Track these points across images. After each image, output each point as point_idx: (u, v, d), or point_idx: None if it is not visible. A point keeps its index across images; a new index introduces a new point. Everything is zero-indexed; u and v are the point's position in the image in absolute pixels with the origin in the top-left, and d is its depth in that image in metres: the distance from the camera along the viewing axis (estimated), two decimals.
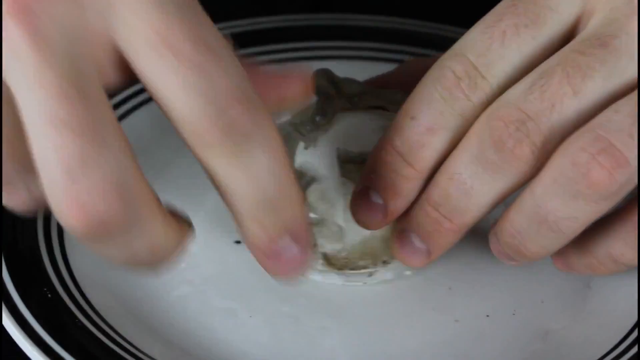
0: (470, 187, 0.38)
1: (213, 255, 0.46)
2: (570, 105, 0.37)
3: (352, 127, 0.43)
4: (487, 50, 0.38)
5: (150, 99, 0.52)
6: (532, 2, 0.39)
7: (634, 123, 0.36)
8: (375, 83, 0.46)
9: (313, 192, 0.42)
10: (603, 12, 0.38)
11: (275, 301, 0.44)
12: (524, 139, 0.37)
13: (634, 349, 0.41)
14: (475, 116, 0.38)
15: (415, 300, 0.44)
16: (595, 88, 0.37)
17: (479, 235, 0.41)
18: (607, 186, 0.36)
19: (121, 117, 0.51)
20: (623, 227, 0.39)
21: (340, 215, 0.42)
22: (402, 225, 0.41)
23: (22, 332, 0.39)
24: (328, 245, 0.43)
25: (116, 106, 0.51)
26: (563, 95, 0.37)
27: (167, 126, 0.52)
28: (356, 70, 0.55)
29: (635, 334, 0.42)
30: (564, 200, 0.37)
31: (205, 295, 0.44)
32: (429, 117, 0.39)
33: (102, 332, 0.40)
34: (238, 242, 0.46)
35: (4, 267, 0.42)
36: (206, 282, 0.45)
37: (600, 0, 0.39)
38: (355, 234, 0.42)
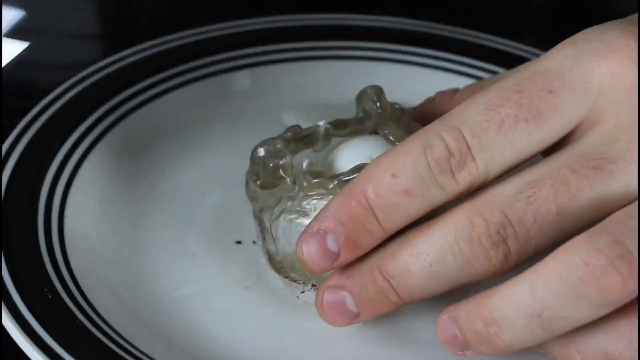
0: (435, 271, 0.38)
1: (213, 255, 0.46)
2: (551, 223, 0.37)
3: (354, 150, 0.43)
4: (483, 133, 0.38)
5: (150, 100, 0.52)
6: (538, 96, 0.38)
7: None
8: (420, 110, 0.46)
9: (277, 192, 0.42)
10: (605, 128, 0.38)
11: (275, 301, 0.44)
12: (500, 243, 0.37)
13: None
14: (454, 195, 0.38)
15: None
16: (580, 210, 0.37)
17: None
18: (618, 293, 0.34)
19: (121, 117, 0.51)
20: (628, 325, 0.36)
21: (268, 219, 0.42)
22: (339, 282, 0.40)
23: (22, 332, 0.39)
24: (269, 244, 0.43)
25: (116, 106, 0.51)
26: (547, 212, 0.37)
27: (167, 126, 0.52)
28: (356, 70, 0.55)
29: None
30: (566, 299, 0.35)
31: (205, 295, 0.44)
32: (411, 180, 0.38)
33: (102, 332, 0.40)
34: (238, 242, 0.46)
35: (4, 267, 0.42)
36: (206, 282, 0.45)
37: (605, 112, 0.38)
38: (286, 244, 0.42)
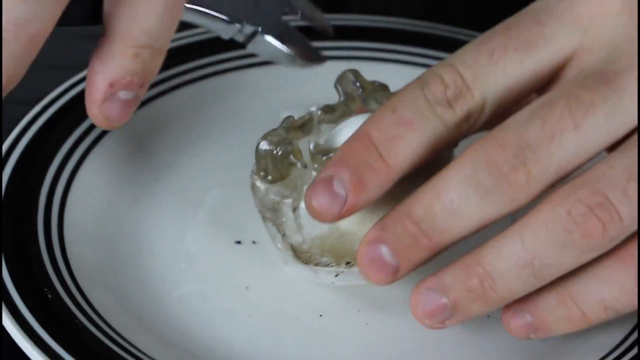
0: (458, 207, 0.37)
1: (213, 255, 0.46)
2: (570, 138, 0.37)
3: (354, 128, 0.43)
4: (475, 64, 0.39)
5: (150, 100, 0.52)
6: (526, 28, 0.39)
7: (628, 180, 0.36)
8: None
9: (290, 181, 0.42)
10: (605, 50, 0.39)
11: (275, 301, 0.44)
12: (520, 166, 0.37)
13: (634, 350, 0.41)
14: (454, 125, 0.38)
15: None
16: (597, 124, 0.37)
17: (478, 236, 0.41)
18: (599, 238, 0.36)
19: None
20: (621, 270, 0.37)
21: (289, 208, 0.42)
22: (374, 235, 0.39)
23: (22, 332, 0.39)
24: (292, 237, 0.43)
25: None
26: (564, 127, 0.37)
27: (167, 126, 0.52)
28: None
29: (635, 334, 0.41)
30: (554, 247, 0.36)
31: (205, 295, 0.44)
32: (410, 112, 0.38)
33: (102, 332, 0.40)
34: (238, 242, 0.46)
35: (4, 267, 0.42)
36: (206, 282, 0.45)
37: (600, 38, 0.39)
38: (312, 228, 0.42)
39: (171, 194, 0.49)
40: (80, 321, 0.41)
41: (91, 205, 0.47)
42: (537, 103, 0.38)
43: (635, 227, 0.36)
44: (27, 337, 0.39)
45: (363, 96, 0.44)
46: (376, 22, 0.58)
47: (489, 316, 0.43)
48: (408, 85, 0.39)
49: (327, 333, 0.43)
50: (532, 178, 0.37)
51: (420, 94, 0.39)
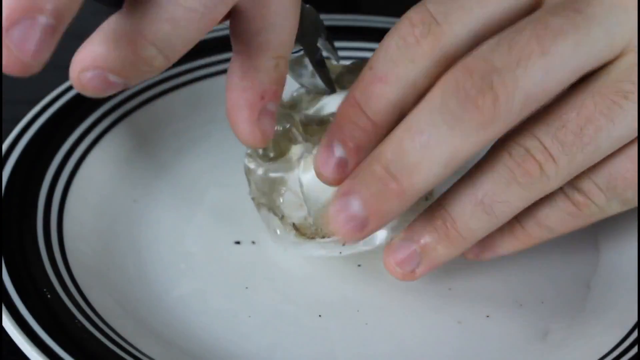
0: (427, 139, 0.36)
1: (213, 255, 0.46)
2: (537, 63, 0.36)
3: (333, 104, 0.43)
4: (449, 0, 0.38)
5: (150, 100, 0.52)
6: None
7: (558, 128, 0.38)
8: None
9: (288, 158, 0.43)
10: None
11: (274, 301, 0.44)
12: (487, 90, 0.36)
13: (634, 350, 0.41)
14: (429, 66, 0.38)
15: (415, 300, 0.44)
16: (565, 51, 0.37)
17: None
18: (537, 176, 0.38)
19: (121, 117, 0.51)
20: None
21: (297, 180, 0.42)
22: (345, 186, 0.38)
23: (22, 333, 0.39)
24: (294, 214, 0.43)
25: (116, 107, 0.51)
26: (531, 52, 0.36)
27: (166, 126, 0.52)
28: None
29: (635, 334, 0.41)
30: (500, 185, 0.38)
31: (205, 295, 0.44)
32: (383, 66, 0.38)
33: (102, 332, 0.40)
34: (238, 242, 0.46)
35: (3, 268, 0.42)
36: (205, 282, 0.45)
37: None
38: (316, 200, 0.42)
39: (171, 194, 0.49)
40: (79, 321, 0.41)
41: (90, 206, 0.47)
42: (505, 31, 0.37)
43: (576, 168, 0.38)
44: (26, 338, 0.39)
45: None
46: (376, 23, 0.58)
47: (488, 316, 0.43)
48: (384, 37, 0.39)
49: (327, 333, 0.43)
50: (499, 102, 0.36)
51: (391, 42, 0.38)
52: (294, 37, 0.39)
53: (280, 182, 0.43)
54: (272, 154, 0.43)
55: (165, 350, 0.41)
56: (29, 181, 0.46)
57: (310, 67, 0.43)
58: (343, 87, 0.44)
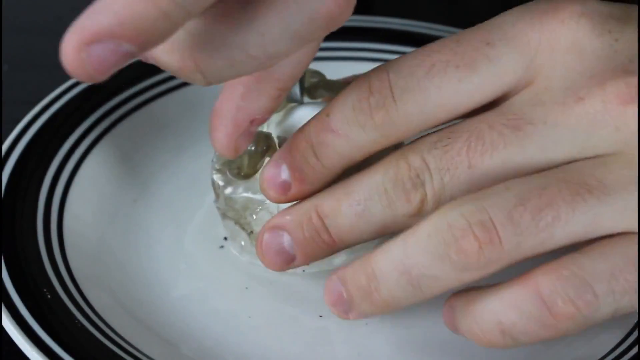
0: (362, 209, 0.39)
1: (212, 256, 0.46)
2: (462, 175, 0.37)
3: (302, 117, 0.43)
4: (409, 76, 0.38)
5: (150, 100, 0.52)
6: (474, 48, 0.38)
7: (516, 205, 0.36)
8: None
9: (254, 180, 0.43)
10: (535, 89, 0.38)
11: (274, 301, 0.44)
12: (419, 187, 0.38)
13: (634, 350, 0.41)
14: (378, 136, 0.39)
15: None
16: (491, 166, 0.37)
17: None
18: (474, 258, 0.36)
19: (121, 118, 0.51)
20: (521, 292, 0.36)
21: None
22: (279, 221, 0.40)
23: (22, 333, 0.39)
24: None
25: (116, 107, 0.51)
26: (459, 163, 0.37)
27: (167, 127, 0.52)
28: (355, 71, 0.55)
29: (635, 334, 0.41)
30: (432, 258, 0.36)
31: (205, 295, 0.44)
32: (336, 120, 0.39)
33: (102, 332, 0.40)
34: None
35: (3, 268, 0.42)
36: (205, 282, 0.45)
37: (540, 73, 0.38)
38: None
39: (171, 194, 0.49)
40: (79, 322, 0.41)
41: (90, 206, 0.47)
42: (448, 130, 0.38)
43: (519, 256, 0.36)
44: (26, 338, 0.39)
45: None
46: (376, 23, 0.58)
47: None
48: (348, 87, 0.39)
49: (327, 333, 0.43)
50: (426, 201, 0.38)
51: (348, 99, 0.39)
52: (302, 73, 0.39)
53: (256, 202, 0.43)
54: (243, 172, 0.43)
55: (165, 350, 0.41)
56: (29, 181, 0.46)
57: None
58: (313, 98, 0.45)
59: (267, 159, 0.42)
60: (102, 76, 0.31)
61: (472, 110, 0.39)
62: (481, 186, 0.37)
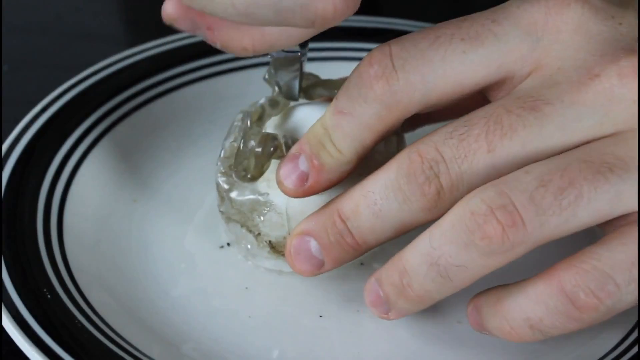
0: (379, 209, 0.39)
1: (213, 255, 0.46)
2: (481, 160, 0.37)
3: (302, 118, 0.43)
4: (412, 47, 0.38)
5: (150, 100, 0.52)
6: (480, 23, 0.38)
7: (537, 187, 0.36)
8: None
9: (261, 182, 0.43)
10: (549, 70, 0.38)
11: (274, 301, 0.44)
12: (433, 179, 0.37)
13: (634, 349, 0.41)
14: (381, 109, 0.38)
15: None
16: (511, 149, 0.37)
17: None
18: (498, 242, 0.36)
19: (121, 118, 0.51)
20: (545, 288, 0.36)
21: (283, 201, 0.42)
22: (305, 227, 0.41)
23: (22, 333, 0.39)
24: (273, 233, 0.43)
25: (116, 107, 0.51)
26: (477, 149, 0.37)
27: (167, 126, 0.52)
28: None
29: (635, 334, 0.41)
30: (457, 247, 0.36)
31: (205, 295, 0.44)
32: (342, 100, 0.39)
33: (102, 332, 0.40)
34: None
35: (3, 268, 0.42)
36: (205, 283, 0.45)
37: (550, 54, 0.38)
38: (298, 221, 0.42)
39: (171, 194, 0.49)
40: (79, 321, 0.41)
41: (90, 206, 0.47)
42: (462, 120, 0.38)
43: (543, 237, 0.36)
44: (26, 338, 0.39)
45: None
46: (376, 23, 0.58)
47: None
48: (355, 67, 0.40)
49: (327, 333, 0.43)
50: (443, 191, 0.38)
51: (352, 77, 0.39)
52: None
53: (264, 203, 0.43)
54: (250, 174, 0.43)
55: (164, 350, 0.41)
56: (29, 181, 0.46)
57: (297, 72, 0.43)
58: (310, 99, 0.45)
59: (272, 162, 0.42)
60: None
61: (476, 90, 0.39)
62: (501, 172, 0.37)
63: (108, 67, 0.52)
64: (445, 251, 0.37)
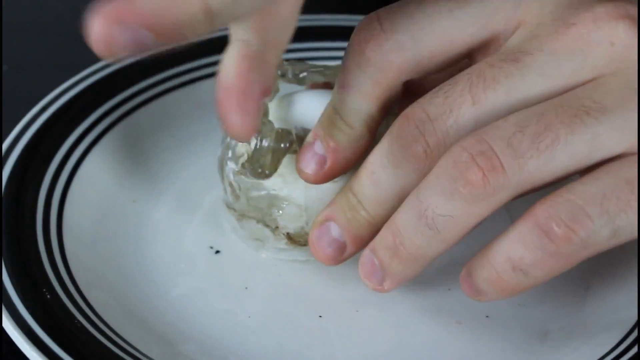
0: (377, 177, 0.39)
1: (213, 256, 0.46)
2: (467, 113, 0.38)
3: (304, 107, 0.43)
4: (399, 11, 0.39)
5: (150, 100, 0.52)
6: None
7: (515, 132, 0.37)
8: None
9: (276, 177, 0.43)
10: (530, 27, 0.39)
11: (274, 301, 0.44)
12: (419, 138, 0.38)
13: (634, 349, 0.41)
14: (374, 72, 0.39)
15: (415, 301, 0.44)
16: (496, 100, 0.38)
17: (477, 236, 0.41)
18: (480, 187, 0.36)
19: (121, 117, 0.51)
20: (523, 226, 0.37)
21: (301, 193, 0.42)
22: (325, 213, 0.41)
23: (22, 333, 0.39)
24: (291, 225, 0.43)
25: (116, 106, 0.51)
26: (462, 102, 0.38)
27: (167, 126, 0.52)
28: None
29: (635, 334, 0.41)
30: (443, 197, 0.37)
31: (205, 295, 0.44)
32: (341, 75, 0.40)
33: (101, 332, 0.40)
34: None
35: (3, 268, 0.42)
36: (205, 282, 0.45)
37: (531, 12, 0.40)
38: (316, 211, 0.43)
39: (171, 194, 0.49)
40: (79, 322, 0.41)
41: (90, 206, 0.47)
42: (447, 82, 0.39)
43: (524, 180, 0.37)
44: (26, 338, 0.39)
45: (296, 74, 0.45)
46: None
47: (488, 316, 0.43)
48: None
49: (327, 333, 0.43)
50: (429, 149, 0.38)
51: (347, 50, 0.40)
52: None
53: (282, 198, 0.43)
54: (267, 171, 0.43)
55: (164, 350, 0.41)
56: (29, 181, 0.46)
57: (304, 73, 0.45)
58: (302, 85, 0.45)
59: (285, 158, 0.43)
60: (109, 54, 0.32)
61: (465, 50, 0.40)
62: (486, 125, 0.38)
63: (108, 66, 0.52)
64: (432, 202, 0.37)
